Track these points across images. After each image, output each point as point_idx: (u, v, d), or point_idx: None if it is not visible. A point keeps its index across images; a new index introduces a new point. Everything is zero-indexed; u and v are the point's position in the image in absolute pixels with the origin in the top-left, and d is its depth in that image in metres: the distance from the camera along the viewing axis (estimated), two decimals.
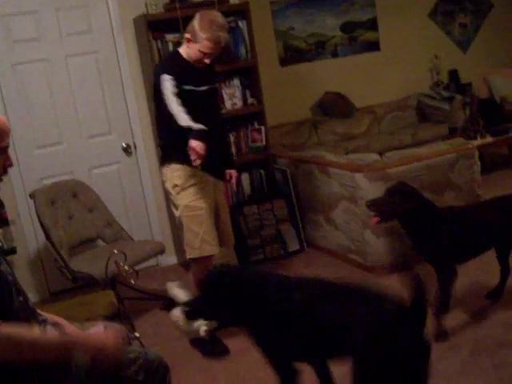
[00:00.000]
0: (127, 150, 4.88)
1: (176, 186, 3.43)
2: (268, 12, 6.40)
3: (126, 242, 4.26)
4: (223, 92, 4.86)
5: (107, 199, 4.52)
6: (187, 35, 3.34)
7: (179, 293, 2.28)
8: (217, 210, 3.60)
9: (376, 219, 3.26)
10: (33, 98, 4.64)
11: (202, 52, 3.32)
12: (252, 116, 5.00)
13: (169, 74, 3.28)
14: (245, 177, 5.03)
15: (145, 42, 4.57)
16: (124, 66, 4.77)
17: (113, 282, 3.83)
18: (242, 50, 4.86)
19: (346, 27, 6.86)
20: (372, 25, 6.94)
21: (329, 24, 6.77)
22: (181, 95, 3.25)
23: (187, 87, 3.33)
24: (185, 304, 2.27)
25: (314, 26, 6.69)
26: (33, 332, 1.73)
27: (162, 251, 4.21)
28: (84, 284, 4.06)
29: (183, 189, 3.42)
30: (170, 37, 4.54)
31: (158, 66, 3.46)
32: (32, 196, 4.15)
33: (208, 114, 3.45)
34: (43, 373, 1.82)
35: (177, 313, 2.17)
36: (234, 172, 3.72)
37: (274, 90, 6.00)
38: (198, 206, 3.41)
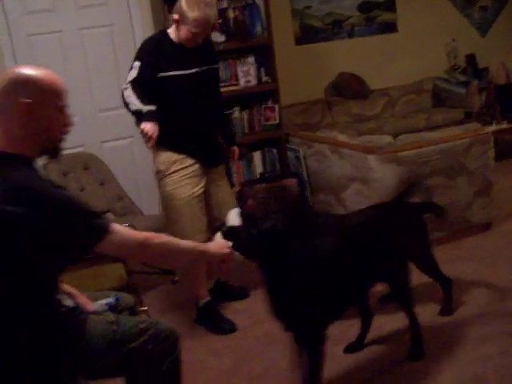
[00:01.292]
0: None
1: (159, 171, 3.39)
2: None
3: (136, 216, 4.27)
4: (238, 69, 4.83)
5: (118, 173, 4.53)
6: (175, 16, 3.22)
7: (233, 217, 2.30)
8: (209, 194, 3.53)
9: (251, 203, 3.20)
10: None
11: (192, 32, 3.21)
12: (266, 94, 4.97)
13: (140, 61, 3.21)
14: (257, 155, 5.02)
15: (160, 15, 4.53)
16: (139, 39, 4.72)
17: None
18: (258, 28, 4.83)
19: (364, 7, 6.77)
20: (390, 5, 6.85)
21: (346, 3, 6.68)
22: (158, 83, 3.20)
23: (170, 73, 3.25)
24: (228, 227, 2.32)
25: (331, 5, 6.61)
26: (179, 242, 2.07)
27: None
28: (94, 256, 4.07)
29: (165, 175, 3.37)
30: None
31: (139, 49, 3.35)
32: (44, 167, 4.15)
33: (201, 97, 3.38)
34: (62, 345, 1.85)
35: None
36: (235, 149, 3.71)
37: (289, 69, 5.95)
38: (178, 195, 3.36)
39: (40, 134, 1.86)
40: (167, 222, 3.49)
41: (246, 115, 4.95)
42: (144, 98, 3.12)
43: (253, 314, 3.59)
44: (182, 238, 3.28)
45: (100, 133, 4.84)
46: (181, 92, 3.29)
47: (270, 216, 2.36)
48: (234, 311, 3.66)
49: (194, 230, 3.37)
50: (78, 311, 1.99)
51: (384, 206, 3.18)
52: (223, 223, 2.37)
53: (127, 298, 2.43)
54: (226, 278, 3.65)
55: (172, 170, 3.35)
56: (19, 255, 1.74)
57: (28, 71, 1.84)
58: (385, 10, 6.85)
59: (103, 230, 1.82)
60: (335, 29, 6.67)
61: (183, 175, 3.36)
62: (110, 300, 2.28)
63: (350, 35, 6.75)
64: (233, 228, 2.31)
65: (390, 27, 6.91)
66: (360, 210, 3.36)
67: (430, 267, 3.19)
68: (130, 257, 2.31)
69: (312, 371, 2.43)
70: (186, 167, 3.37)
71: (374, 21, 6.83)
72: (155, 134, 3.05)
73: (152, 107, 3.08)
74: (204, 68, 3.41)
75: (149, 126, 3.03)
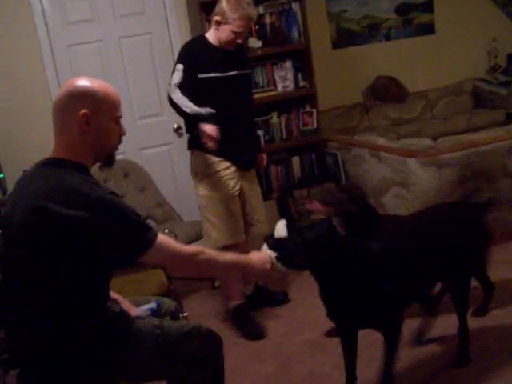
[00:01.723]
0: (178, 131, 4.91)
1: (197, 174, 3.43)
2: None
3: (175, 223, 4.31)
4: (275, 74, 4.84)
5: (157, 180, 4.57)
6: (216, 18, 3.29)
7: (280, 228, 2.31)
8: (244, 198, 3.54)
9: (317, 206, 3.09)
10: None
11: (234, 32, 3.27)
12: (303, 99, 4.97)
13: (183, 63, 3.26)
14: (295, 160, 5.01)
15: (197, 23, 4.57)
16: (177, 47, 4.75)
17: None
18: (295, 33, 4.83)
19: (401, 9, 6.70)
20: (428, 7, 6.76)
21: (383, 6, 6.62)
22: (198, 84, 3.25)
23: (210, 75, 3.30)
24: (273, 239, 2.32)
25: (368, 8, 6.56)
26: (223, 257, 2.12)
27: None
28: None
29: (204, 177, 3.40)
30: None
31: (180, 51, 3.42)
32: None
33: (237, 100, 3.42)
34: (109, 349, 1.87)
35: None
36: (263, 155, 3.75)
37: (326, 73, 5.93)
38: (217, 196, 3.38)
39: (96, 143, 1.93)
40: (205, 224, 3.49)
41: (283, 120, 4.95)
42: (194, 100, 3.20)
43: (293, 319, 3.59)
44: (222, 238, 3.36)
45: (139, 140, 4.89)
46: (218, 94, 3.32)
47: (316, 223, 2.33)
48: (275, 317, 3.65)
49: (234, 230, 3.41)
50: (123, 316, 2.01)
51: (447, 206, 3.16)
52: (270, 234, 2.37)
53: (168, 303, 2.45)
54: (264, 283, 3.69)
55: (210, 171, 3.38)
56: (70, 258, 1.78)
57: (85, 83, 1.92)
58: (422, 12, 6.76)
59: (149, 242, 1.86)
60: (372, 32, 6.62)
61: (221, 177, 3.38)
62: (153, 305, 2.30)
63: (387, 38, 6.69)
64: (278, 239, 2.30)
65: (428, 29, 6.82)
66: (423, 210, 3.34)
67: (481, 269, 3.12)
68: (172, 269, 2.34)
69: (389, 357, 2.46)
70: (224, 169, 3.39)
71: (412, 23, 6.76)
72: (218, 135, 3.11)
73: (211, 110, 3.14)
74: (241, 72, 3.45)
75: (211, 128, 3.10)
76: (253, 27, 4.74)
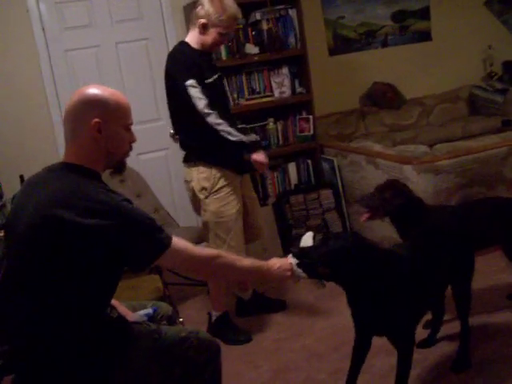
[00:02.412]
0: (175, 137, 4.90)
1: (204, 188, 3.32)
2: (318, 1, 6.32)
3: (172, 228, 4.29)
4: (272, 80, 4.85)
5: (154, 185, 4.56)
6: (202, 21, 3.20)
7: (306, 240, 2.32)
8: (245, 205, 3.51)
9: (366, 215, 3.18)
10: (83, 84, 4.64)
11: (221, 34, 3.22)
12: (300, 105, 4.97)
13: (192, 77, 3.13)
14: (291, 166, 5.02)
15: None
16: None
17: (159, 266, 3.87)
18: (292, 39, 4.84)
19: (397, 16, 6.73)
20: (424, 14, 6.79)
21: (379, 13, 6.65)
22: (206, 94, 3.15)
23: (208, 81, 3.23)
24: (299, 248, 2.32)
25: (364, 15, 6.58)
26: (243, 261, 2.09)
27: (207, 238, 4.21)
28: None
29: (211, 193, 3.31)
30: None
31: (174, 68, 3.24)
32: None
33: (224, 104, 3.40)
34: (106, 354, 1.87)
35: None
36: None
37: (323, 80, 5.94)
38: (227, 212, 3.32)
39: (107, 151, 1.94)
40: (215, 240, 3.39)
41: (280, 126, 4.96)
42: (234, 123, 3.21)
43: (290, 326, 3.59)
44: (234, 251, 3.25)
45: (136, 145, 4.83)
46: (214, 100, 3.21)
47: (342, 234, 2.34)
48: (271, 323, 3.65)
49: (242, 246, 3.40)
50: (121, 321, 2.01)
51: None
52: (296, 243, 2.38)
53: (165, 308, 2.45)
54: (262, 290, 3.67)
55: (218, 186, 3.31)
56: (82, 265, 1.78)
57: (96, 91, 1.94)
58: (419, 19, 6.79)
59: (165, 244, 1.87)
60: (369, 38, 6.64)
61: (228, 191, 3.33)
62: (149, 311, 2.30)
63: (384, 45, 6.71)
64: (302, 248, 2.30)
65: (425, 36, 6.85)
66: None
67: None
68: (188, 272, 2.31)
69: (404, 371, 2.44)
70: (231, 182, 3.34)
71: (408, 30, 6.78)
72: (267, 161, 3.26)
73: (252, 137, 3.22)
74: (219, 74, 3.42)
75: (262, 156, 3.23)
76: (250, 33, 4.75)
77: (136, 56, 4.83)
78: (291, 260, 2.22)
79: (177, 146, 4.86)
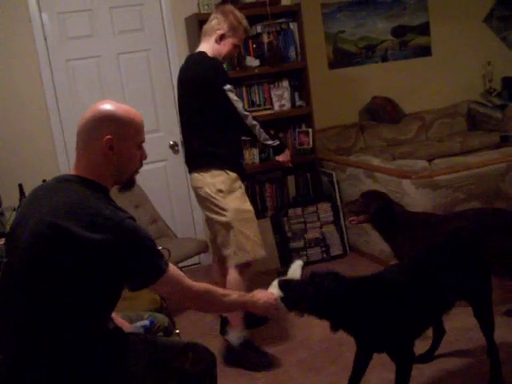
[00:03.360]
0: (174, 148, 4.92)
1: (220, 191, 3.33)
2: (319, 14, 6.37)
3: (170, 239, 4.30)
4: (272, 93, 4.86)
5: (153, 196, 4.57)
6: (219, 32, 3.34)
7: (295, 270, 2.31)
8: None
9: (351, 219, 3.51)
10: (84, 94, 4.72)
11: (235, 45, 3.40)
12: (300, 118, 4.99)
13: (229, 82, 3.30)
14: (290, 179, 5.02)
15: (196, 41, 4.59)
16: (174, 64, 4.80)
17: None
18: (292, 52, 4.86)
19: (398, 31, 6.78)
20: (424, 29, 6.84)
21: (380, 28, 6.70)
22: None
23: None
24: (285, 279, 2.31)
25: (365, 29, 6.63)
26: (229, 296, 2.11)
27: (205, 250, 4.21)
28: None
29: (229, 193, 3.34)
30: None
31: (209, 73, 3.28)
32: None
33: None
34: (103, 366, 1.86)
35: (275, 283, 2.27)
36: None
37: (322, 93, 5.97)
38: (247, 208, 3.38)
39: (118, 167, 1.95)
40: (239, 238, 3.33)
41: None
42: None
43: (286, 339, 3.57)
44: (258, 249, 3.34)
45: None
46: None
47: (331, 273, 2.32)
48: (267, 337, 3.64)
49: (261, 240, 3.41)
50: (117, 332, 2.01)
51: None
52: (283, 271, 2.36)
53: (162, 319, 2.44)
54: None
55: (234, 186, 3.36)
56: (82, 277, 1.78)
57: (110, 108, 1.94)
58: (419, 34, 6.84)
59: (162, 270, 1.87)
60: (368, 53, 6.68)
61: (242, 192, 3.41)
62: (146, 322, 2.30)
63: (384, 59, 6.75)
64: (289, 281, 2.29)
65: (424, 51, 6.89)
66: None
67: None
68: (178, 301, 2.26)
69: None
70: (240, 186, 3.42)
71: (408, 45, 6.83)
72: (289, 159, 3.62)
73: (276, 141, 3.48)
74: None
75: (287, 156, 3.58)
76: (251, 46, 4.77)
77: (137, 67, 4.84)
78: (275, 291, 2.21)
79: (176, 157, 4.90)
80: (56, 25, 4.61)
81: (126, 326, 2.16)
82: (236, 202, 3.34)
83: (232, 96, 3.27)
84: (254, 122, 3.34)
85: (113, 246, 1.76)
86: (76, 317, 1.80)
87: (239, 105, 3.30)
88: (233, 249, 3.34)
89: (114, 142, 1.90)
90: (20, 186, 4.17)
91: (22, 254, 1.83)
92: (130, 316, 2.34)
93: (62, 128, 4.66)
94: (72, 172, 1.95)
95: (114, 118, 1.92)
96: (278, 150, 3.55)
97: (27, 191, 4.20)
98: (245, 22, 3.39)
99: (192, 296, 1.99)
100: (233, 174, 3.36)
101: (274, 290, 2.23)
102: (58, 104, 4.65)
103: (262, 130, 3.37)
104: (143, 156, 2.03)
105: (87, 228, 1.74)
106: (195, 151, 3.42)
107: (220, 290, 2.11)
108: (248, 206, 3.40)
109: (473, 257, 2.71)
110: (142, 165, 2.06)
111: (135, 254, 1.81)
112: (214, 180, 3.33)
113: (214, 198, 3.34)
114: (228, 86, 3.26)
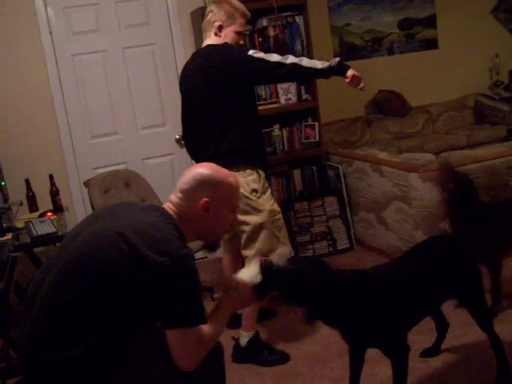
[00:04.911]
0: (180, 142, 4.92)
1: (255, 190, 3.20)
2: (325, 8, 6.34)
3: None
4: (278, 87, 4.85)
5: (159, 190, 4.57)
6: (217, 24, 3.25)
7: (280, 258, 2.23)
8: None
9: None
10: (90, 89, 4.73)
11: (238, 32, 3.27)
12: (306, 112, 4.98)
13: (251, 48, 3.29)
14: (296, 173, 5.01)
15: (201, 35, 4.57)
16: (180, 58, 4.80)
17: None
18: (298, 46, 4.84)
19: (404, 24, 6.74)
20: (431, 22, 6.80)
21: (386, 21, 6.66)
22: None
23: None
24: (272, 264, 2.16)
25: (371, 22, 6.59)
26: (214, 324, 1.92)
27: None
28: None
29: (262, 193, 3.24)
30: None
31: (229, 54, 3.16)
32: (86, 184, 4.23)
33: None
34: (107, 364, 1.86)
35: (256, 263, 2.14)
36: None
37: (328, 87, 5.92)
38: (278, 209, 3.31)
39: (209, 229, 2.05)
40: (272, 240, 3.24)
41: (285, 133, 4.96)
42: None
43: (292, 333, 3.57)
44: (287, 250, 3.26)
45: (142, 150, 4.90)
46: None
47: (318, 261, 2.28)
48: (273, 331, 3.64)
49: (288, 240, 3.39)
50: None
51: None
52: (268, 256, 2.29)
53: None
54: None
55: (265, 186, 3.29)
56: (119, 289, 1.78)
57: (211, 173, 2.03)
58: (425, 27, 6.80)
59: (195, 321, 1.83)
60: (375, 46, 6.65)
61: (270, 191, 3.35)
62: None
63: (390, 52, 6.72)
64: (272, 266, 2.13)
65: (431, 44, 6.86)
66: None
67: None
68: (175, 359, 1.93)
69: (400, 379, 2.42)
70: (268, 184, 3.35)
71: (415, 37, 6.79)
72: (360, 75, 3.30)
73: (335, 58, 3.26)
74: None
75: (353, 73, 3.30)
76: (256, 40, 4.76)
77: (143, 61, 4.84)
78: (251, 273, 2.07)
79: (182, 151, 4.88)
80: (62, 19, 4.61)
81: None
82: (268, 202, 3.25)
83: (260, 55, 3.11)
84: (299, 58, 3.16)
85: (165, 272, 1.76)
86: (107, 318, 1.80)
87: (272, 57, 3.12)
88: (256, 250, 3.21)
89: (210, 205, 1.99)
90: (27, 181, 4.19)
91: (77, 245, 1.85)
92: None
93: (69, 123, 4.66)
94: (166, 205, 2.03)
95: (213, 183, 2.01)
96: (343, 67, 3.25)
97: (34, 186, 4.22)
98: (241, 6, 3.28)
99: (205, 351, 1.90)
100: (263, 173, 3.28)
101: (251, 270, 2.09)
102: (64, 99, 4.65)
103: (314, 60, 3.21)
104: (234, 220, 2.12)
105: (150, 248, 1.77)
106: (231, 151, 3.18)
107: (207, 328, 1.89)
108: (277, 206, 3.32)
109: (460, 253, 2.71)
110: (231, 228, 2.13)
111: (177, 293, 1.79)
112: (247, 179, 3.19)
113: (249, 198, 3.18)
114: (251, 51, 3.14)
